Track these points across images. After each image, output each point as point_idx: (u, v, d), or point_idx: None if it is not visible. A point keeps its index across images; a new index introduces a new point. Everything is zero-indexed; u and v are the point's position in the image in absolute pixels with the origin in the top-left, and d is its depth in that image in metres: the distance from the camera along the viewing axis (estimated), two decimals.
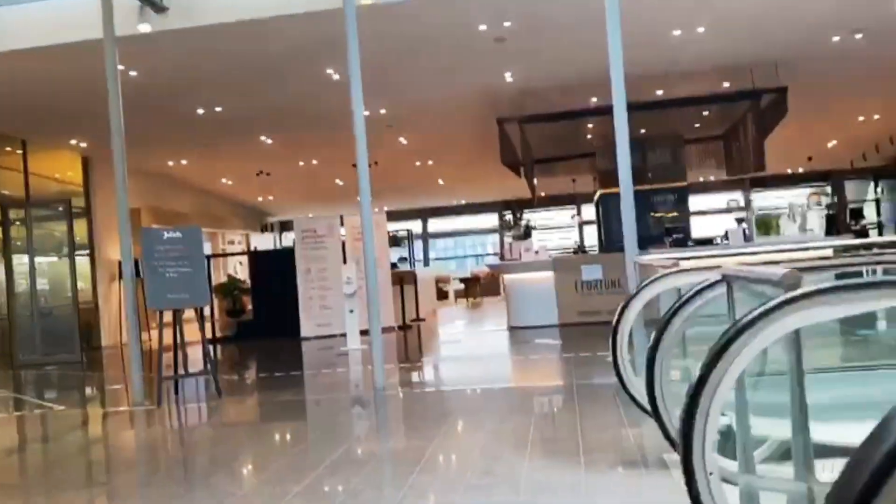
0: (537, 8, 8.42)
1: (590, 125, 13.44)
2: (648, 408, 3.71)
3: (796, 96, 11.67)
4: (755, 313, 1.71)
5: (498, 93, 11.72)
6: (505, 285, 12.04)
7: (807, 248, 5.28)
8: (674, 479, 3.54)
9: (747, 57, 10.95)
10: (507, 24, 8.87)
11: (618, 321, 3.73)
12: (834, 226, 12.30)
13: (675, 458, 3.86)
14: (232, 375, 9.20)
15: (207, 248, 17.70)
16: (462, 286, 18.89)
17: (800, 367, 1.88)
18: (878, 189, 22.16)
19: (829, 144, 18.38)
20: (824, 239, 9.74)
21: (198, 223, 11.04)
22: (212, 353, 9.17)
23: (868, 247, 4.41)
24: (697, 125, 14.25)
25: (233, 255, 19.31)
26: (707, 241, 12.85)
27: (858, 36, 10.12)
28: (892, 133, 17.06)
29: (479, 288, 18.56)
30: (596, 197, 14.07)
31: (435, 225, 25.31)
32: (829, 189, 22.18)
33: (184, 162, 15.84)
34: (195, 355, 7.74)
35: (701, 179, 17.03)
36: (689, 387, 1.79)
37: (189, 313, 7.83)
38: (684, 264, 3.75)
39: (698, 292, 2.74)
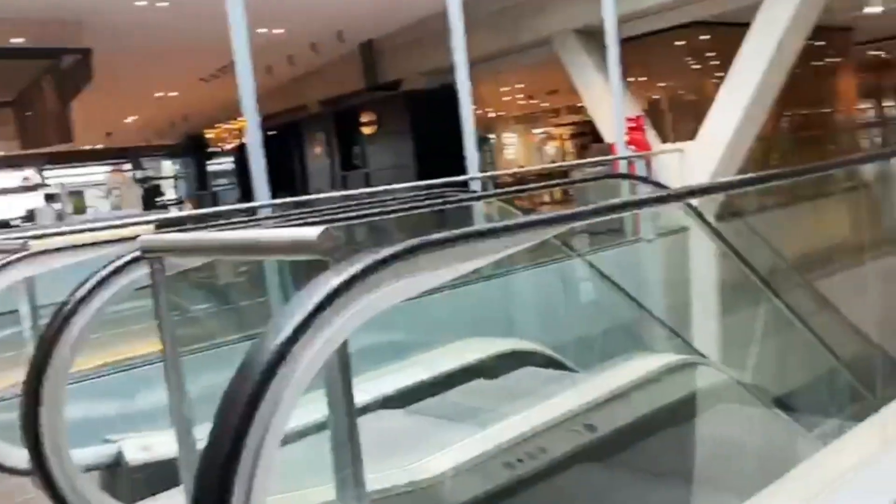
0: None
1: None
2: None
3: (101, 63, 10.84)
4: (314, 301, 0.99)
5: None
6: None
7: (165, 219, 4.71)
8: None
9: (45, 10, 9.58)
10: None
11: None
12: (150, 202, 12.12)
13: None
14: None
15: None
16: None
17: (347, 384, 1.24)
18: (176, 166, 23.07)
19: (129, 119, 18.11)
20: (160, 211, 9.36)
21: None
22: None
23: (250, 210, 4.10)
24: None
25: None
26: (4, 224, 11.18)
27: (163, 4, 9.92)
28: (187, 112, 17.79)
29: None
30: None
31: None
32: (129, 166, 21.99)
33: None
34: None
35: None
36: (209, 462, 0.96)
37: None
38: (35, 245, 2.69)
39: (104, 280, 1.82)
